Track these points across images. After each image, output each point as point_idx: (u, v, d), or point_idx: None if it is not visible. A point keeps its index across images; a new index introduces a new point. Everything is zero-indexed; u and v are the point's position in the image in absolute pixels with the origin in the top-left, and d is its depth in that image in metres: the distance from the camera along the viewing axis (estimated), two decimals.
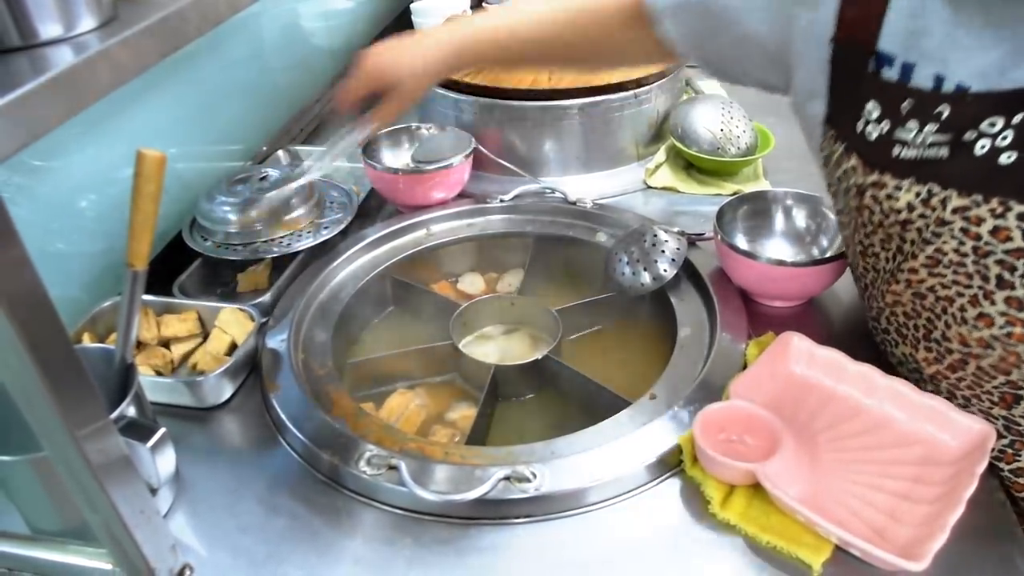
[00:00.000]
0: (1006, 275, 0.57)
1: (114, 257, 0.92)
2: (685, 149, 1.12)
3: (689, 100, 1.18)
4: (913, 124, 0.57)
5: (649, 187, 1.13)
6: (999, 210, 0.54)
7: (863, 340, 0.79)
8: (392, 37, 0.79)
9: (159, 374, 0.81)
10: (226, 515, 0.67)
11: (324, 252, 0.96)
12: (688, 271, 0.90)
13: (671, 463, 0.68)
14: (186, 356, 0.83)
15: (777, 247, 0.92)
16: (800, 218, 0.92)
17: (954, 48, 0.54)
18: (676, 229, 0.92)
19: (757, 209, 0.93)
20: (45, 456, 0.56)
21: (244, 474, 0.71)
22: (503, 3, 1.71)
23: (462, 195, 1.09)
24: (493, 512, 0.65)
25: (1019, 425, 0.66)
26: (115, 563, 0.56)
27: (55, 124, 0.40)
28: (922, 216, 0.59)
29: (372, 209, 1.10)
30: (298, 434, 0.71)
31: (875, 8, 0.58)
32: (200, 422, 0.77)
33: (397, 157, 1.13)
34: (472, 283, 1.04)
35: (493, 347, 0.93)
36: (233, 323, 0.83)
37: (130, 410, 0.63)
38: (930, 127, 0.56)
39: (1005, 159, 0.53)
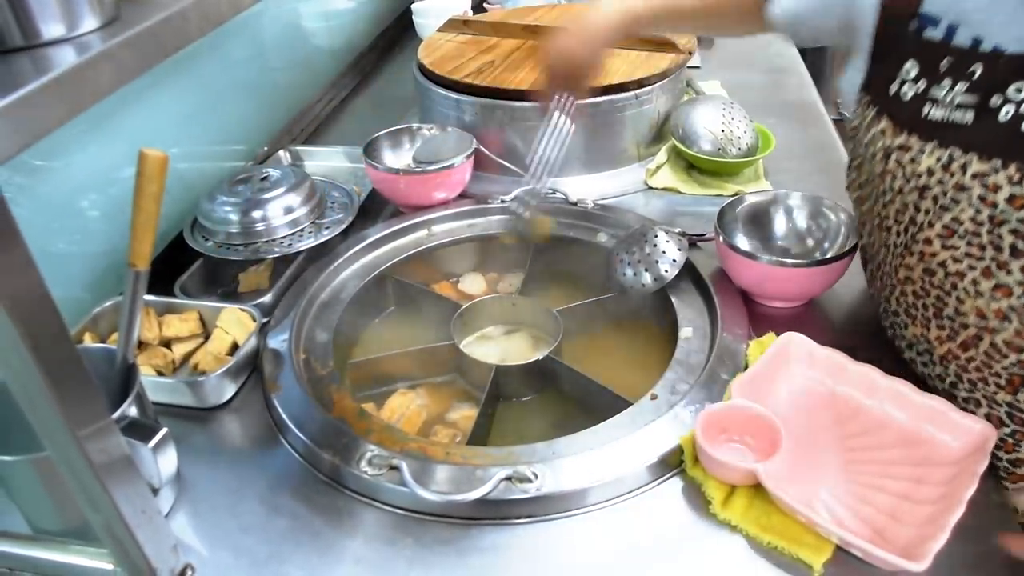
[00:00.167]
0: (1020, 244, 0.59)
1: (116, 257, 0.92)
2: (686, 150, 1.12)
3: (690, 101, 1.18)
4: (947, 82, 0.59)
5: (650, 188, 1.13)
6: (1016, 177, 0.56)
7: (864, 340, 0.79)
8: (562, 22, 0.81)
9: (160, 374, 0.81)
10: (227, 515, 0.67)
11: (325, 252, 0.96)
12: (689, 272, 0.90)
13: (672, 463, 0.68)
14: (187, 356, 0.84)
15: (778, 248, 0.92)
16: (801, 219, 0.92)
17: (996, 12, 0.56)
18: (677, 230, 0.92)
19: (758, 210, 0.93)
20: (47, 456, 0.56)
21: (245, 474, 0.71)
22: (503, 3, 1.71)
23: (463, 195, 1.09)
24: (494, 512, 0.65)
25: (1023, 412, 0.66)
26: (116, 563, 0.56)
27: (57, 124, 0.40)
28: (940, 182, 0.61)
29: (373, 209, 1.09)
30: (299, 434, 0.71)
31: None
32: (201, 422, 0.77)
33: (398, 158, 1.13)
34: (473, 283, 1.04)
35: (494, 347, 0.93)
36: (234, 323, 0.83)
37: (132, 410, 0.63)
38: (960, 85, 0.58)
39: None
